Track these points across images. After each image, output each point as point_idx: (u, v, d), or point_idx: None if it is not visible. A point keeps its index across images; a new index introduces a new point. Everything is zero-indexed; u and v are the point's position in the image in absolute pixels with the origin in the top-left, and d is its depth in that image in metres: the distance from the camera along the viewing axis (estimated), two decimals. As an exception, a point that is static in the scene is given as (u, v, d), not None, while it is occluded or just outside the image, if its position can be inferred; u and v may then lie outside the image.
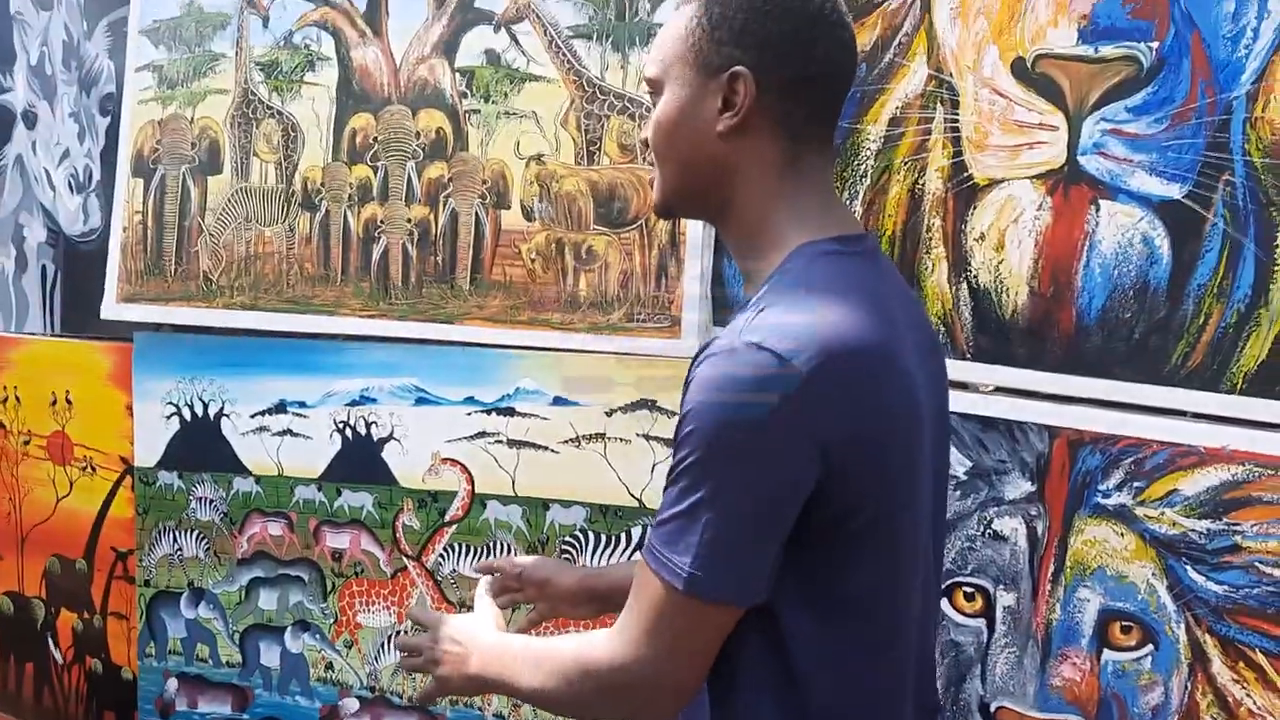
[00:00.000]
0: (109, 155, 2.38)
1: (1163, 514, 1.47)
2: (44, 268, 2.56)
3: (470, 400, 1.98)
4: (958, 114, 1.56)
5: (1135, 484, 1.49)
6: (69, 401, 2.52)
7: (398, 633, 2.10)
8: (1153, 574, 1.49)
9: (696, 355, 1.00)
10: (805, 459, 0.94)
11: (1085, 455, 1.52)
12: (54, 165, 2.50)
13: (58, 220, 2.51)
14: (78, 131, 2.45)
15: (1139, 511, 1.49)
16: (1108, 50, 1.45)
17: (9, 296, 2.64)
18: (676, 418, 1.00)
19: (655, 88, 1.10)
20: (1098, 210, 1.47)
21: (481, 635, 1.21)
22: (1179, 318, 1.44)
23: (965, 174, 1.56)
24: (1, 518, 2.70)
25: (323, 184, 2.09)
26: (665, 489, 0.99)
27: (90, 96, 2.42)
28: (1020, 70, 1.51)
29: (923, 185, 1.59)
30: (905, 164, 1.60)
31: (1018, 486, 1.57)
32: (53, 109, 2.49)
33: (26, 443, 2.62)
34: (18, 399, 2.62)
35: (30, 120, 2.53)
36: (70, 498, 2.55)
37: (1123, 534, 1.50)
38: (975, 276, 1.56)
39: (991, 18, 1.52)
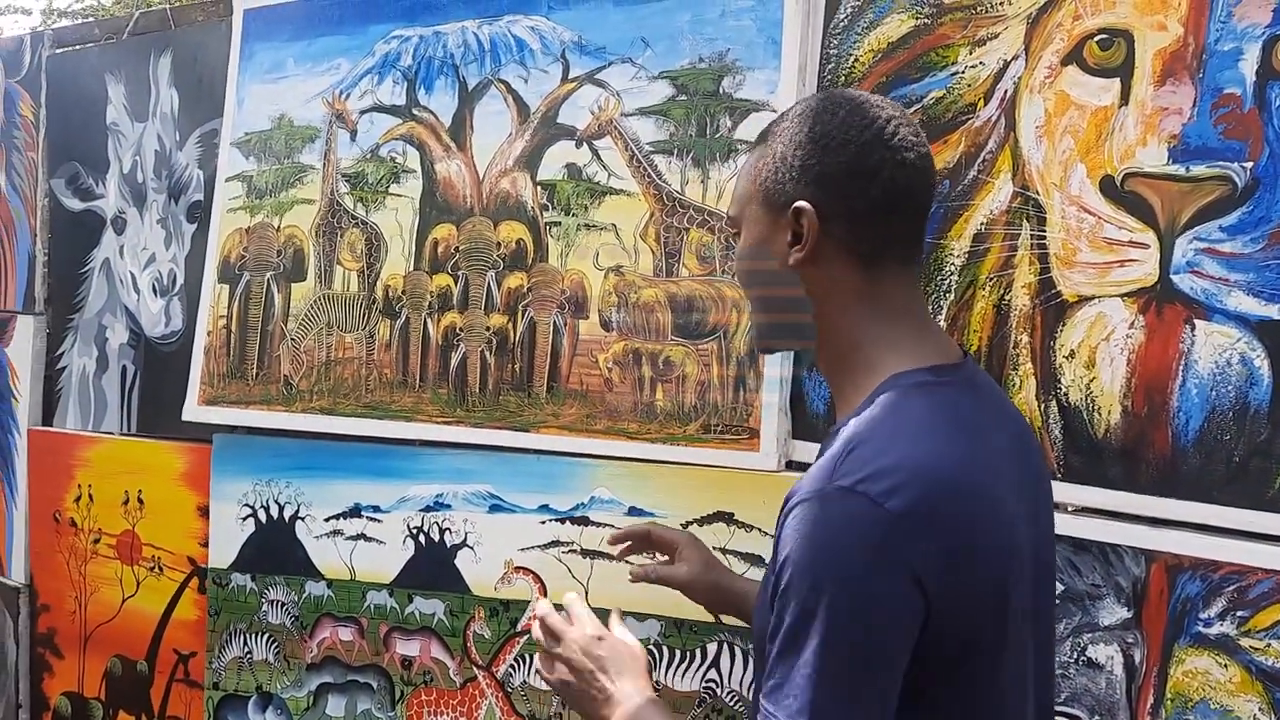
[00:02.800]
0: (193, 261, 2.45)
1: (1269, 645, 1.41)
2: (124, 368, 2.62)
3: (544, 508, 1.97)
4: (1044, 231, 1.55)
5: (1239, 613, 1.43)
6: (140, 501, 2.55)
7: (465, 745, 2.06)
8: (1259, 709, 1.42)
9: (786, 501, 1.00)
10: (909, 600, 0.93)
11: (1185, 581, 1.47)
12: (140, 269, 2.57)
13: (140, 322, 2.57)
14: (164, 237, 2.52)
15: (1244, 642, 1.43)
16: (1200, 170, 1.44)
17: (89, 396, 2.69)
18: (770, 558, 1.01)
19: (735, 226, 1.17)
20: (1193, 329, 1.45)
21: (630, 691, 1.19)
22: (1282, 441, 1.40)
23: (1053, 290, 1.55)
24: (66, 616, 2.72)
25: (404, 292, 2.12)
26: (769, 645, 0.98)
27: (178, 204, 2.50)
28: (1109, 188, 1.50)
29: (1009, 301, 1.58)
30: (990, 280, 1.59)
31: (1113, 612, 1.52)
32: (141, 215, 2.57)
33: (96, 541, 2.65)
34: (90, 497, 2.66)
35: (119, 226, 2.62)
36: (136, 598, 2.56)
37: (1226, 665, 1.44)
38: (1065, 394, 1.54)
39: (1078, 136, 1.53)
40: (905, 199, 1.08)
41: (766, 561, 1.14)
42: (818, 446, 1.73)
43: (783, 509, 1.00)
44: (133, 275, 2.59)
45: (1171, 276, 1.46)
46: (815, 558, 0.94)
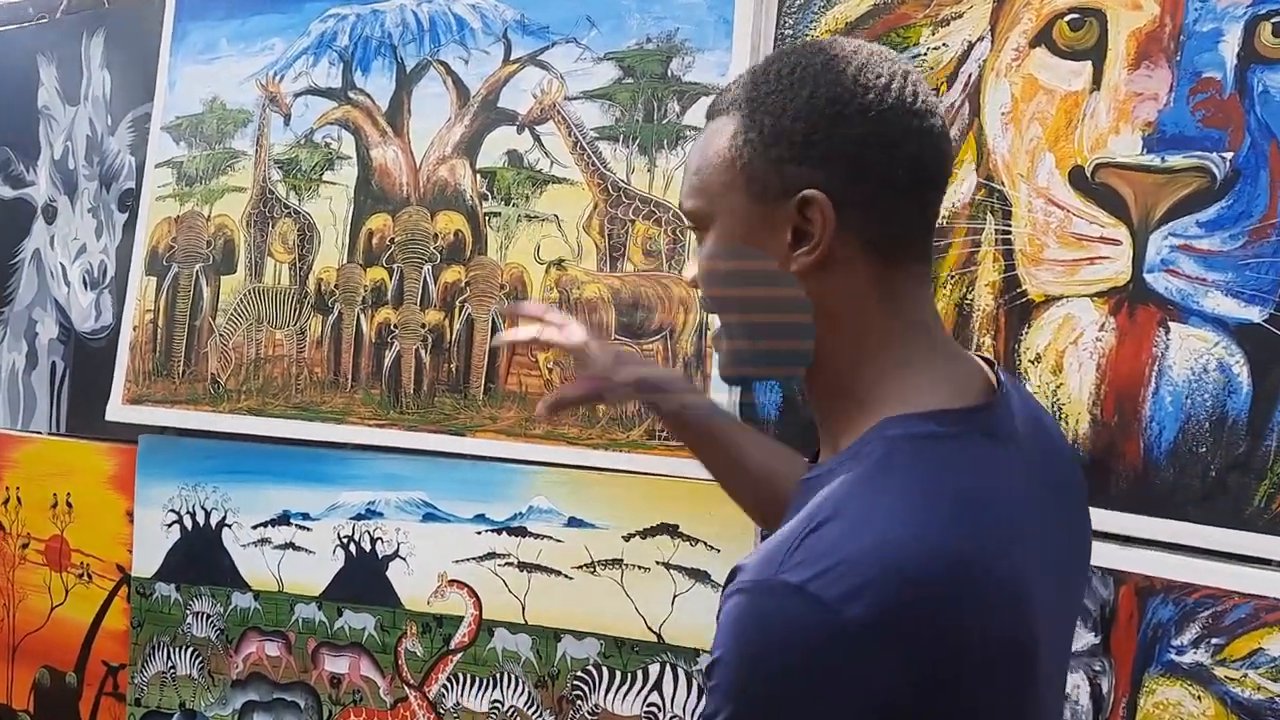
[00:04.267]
0: (124, 252, 2.32)
1: (1245, 676, 1.30)
2: (53, 364, 2.49)
3: (480, 518, 1.85)
4: (1010, 225, 1.44)
5: (1214, 640, 1.32)
6: (69, 505, 2.42)
7: (395, 769, 1.94)
8: (1236, 744, 1.31)
9: (730, 575, 0.78)
10: None
11: (1156, 605, 1.36)
12: (70, 260, 2.44)
13: (70, 316, 2.44)
14: (95, 227, 2.39)
15: (1218, 672, 1.32)
16: (1176, 160, 1.33)
17: (18, 393, 2.56)
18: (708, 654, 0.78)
19: (698, 222, 0.88)
20: (1167, 333, 1.34)
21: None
22: (1262, 454, 1.29)
23: (1018, 289, 1.43)
24: (-6, 624, 2.59)
25: (337, 286, 2.00)
26: None
27: (110, 192, 2.37)
28: (1079, 180, 1.39)
29: (971, 301, 1.47)
30: (952, 277, 1.48)
31: (1079, 637, 1.40)
32: (73, 204, 2.44)
33: (25, 546, 2.51)
34: (19, 500, 2.53)
35: (50, 215, 2.49)
36: (65, 606, 2.43)
37: (1200, 697, 1.33)
38: (1030, 402, 1.42)
39: (1046, 124, 1.41)
40: (930, 179, 0.84)
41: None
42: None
43: (725, 584, 0.78)
44: (63, 267, 2.46)
45: (1145, 275, 1.35)
46: (747, 671, 0.73)
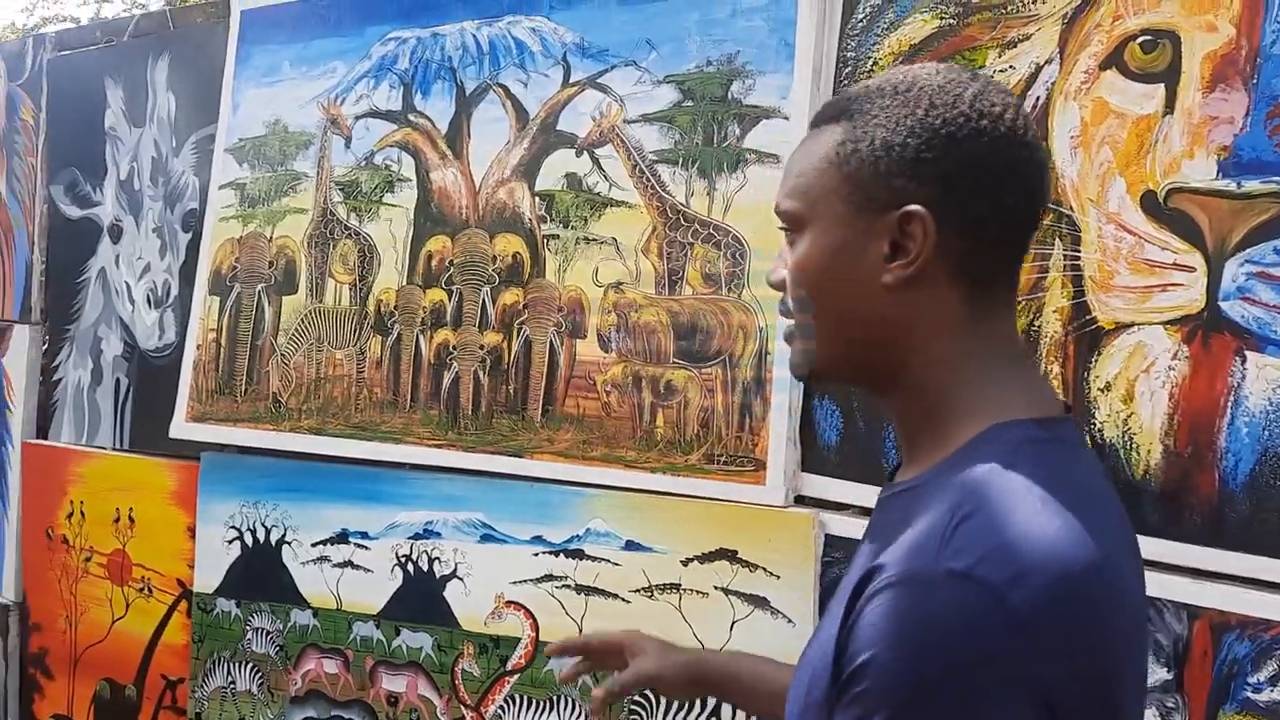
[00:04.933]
0: (188, 271, 2.36)
1: (1327, 715, 1.26)
2: (118, 381, 2.53)
3: (538, 540, 1.85)
4: (1079, 250, 1.41)
5: (1293, 678, 1.28)
6: (131, 519, 2.46)
7: (451, 790, 1.94)
8: (1316, 786, 1.27)
9: (866, 577, 0.77)
10: (1030, 716, 0.72)
11: (1231, 641, 1.32)
12: (135, 279, 2.48)
13: (134, 334, 2.49)
14: (159, 246, 2.44)
15: (1298, 711, 1.28)
16: (1253, 185, 1.30)
17: (83, 409, 2.61)
18: (834, 653, 0.77)
19: (794, 224, 0.89)
20: (1243, 362, 1.30)
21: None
22: (1343, 488, 1.25)
23: (1088, 316, 1.41)
24: (57, 636, 2.63)
25: (396, 307, 2.02)
26: None
27: (174, 212, 2.41)
28: (1151, 205, 1.36)
29: (1039, 327, 1.44)
30: (1019, 303, 1.45)
31: (1152, 673, 1.37)
32: (138, 223, 2.49)
33: (88, 559, 2.56)
34: (83, 514, 2.58)
35: (116, 234, 2.53)
36: (125, 620, 2.47)
37: (1279, 736, 1.29)
38: (1100, 431, 1.39)
39: (1118, 148, 1.39)
40: (1031, 210, 0.86)
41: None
42: (827, 480, 1.62)
43: (858, 588, 0.78)
44: (128, 285, 2.50)
45: (1220, 303, 1.32)
46: (916, 663, 0.72)
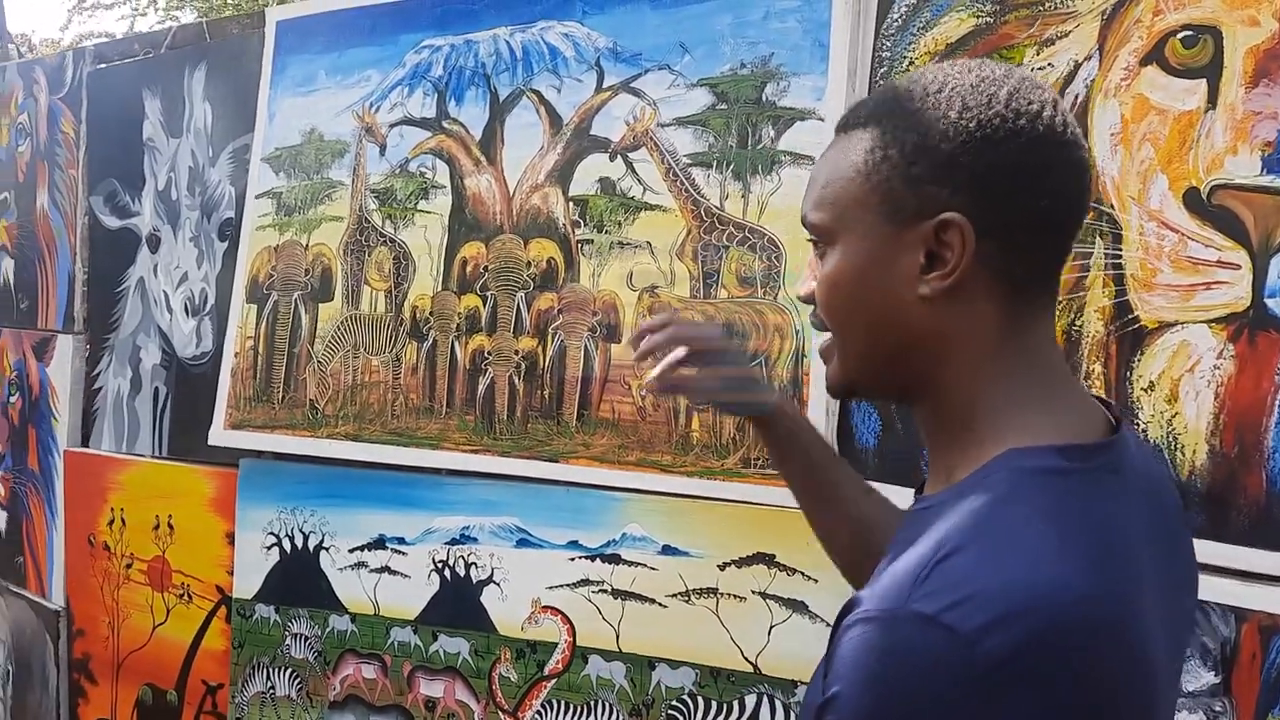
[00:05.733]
0: (224, 280, 2.38)
1: (1382, 720, 1.24)
2: (156, 390, 2.55)
3: (574, 544, 1.85)
4: (1120, 249, 1.40)
5: (1346, 683, 1.26)
6: (170, 526, 2.48)
7: (489, 795, 1.94)
8: (1371, 793, 1.24)
9: (846, 607, 0.76)
10: None
11: (1281, 645, 1.30)
12: (173, 288, 2.51)
13: (172, 343, 2.51)
14: (197, 255, 2.46)
15: (1351, 716, 1.25)
16: (1299, 181, 1.28)
17: (123, 417, 2.64)
18: (820, 671, 0.76)
19: (823, 236, 0.85)
20: (1291, 360, 1.28)
21: None
22: (1396, 488, 1.23)
23: (1130, 315, 1.39)
24: (100, 641, 2.66)
25: (431, 313, 2.02)
26: None
27: (210, 221, 2.44)
28: (1194, 202, 1.34)
29: (1080, 327, 1.42)
30: (1060, 303, 1.44)
31: (1198, 677, 1.35)
32: (175, 233, 2.51)
33: (129, 566, 2.58)
34: (123, 521, 2.60)
35: (154, 244, 2.56)
36: (166, 625, 2.49)
37: (1331, 742, 1.27)
38: (1143, 431, 1.37)
39: (1159, 144, 1.37)
40: (1073, 212, 0.82)
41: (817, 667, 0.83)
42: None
43: (842, 615, 0.76)
44: (166, 294, 2.53)
45: (1266, 300, 1.30)
46: (875, 705, 0.70)
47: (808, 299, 0.89)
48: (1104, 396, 0.91)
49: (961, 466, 0.81)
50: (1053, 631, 0.69)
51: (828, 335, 0.89)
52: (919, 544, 0.75)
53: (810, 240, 0.88)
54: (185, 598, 2.45)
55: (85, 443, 2.74)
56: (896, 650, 0.70)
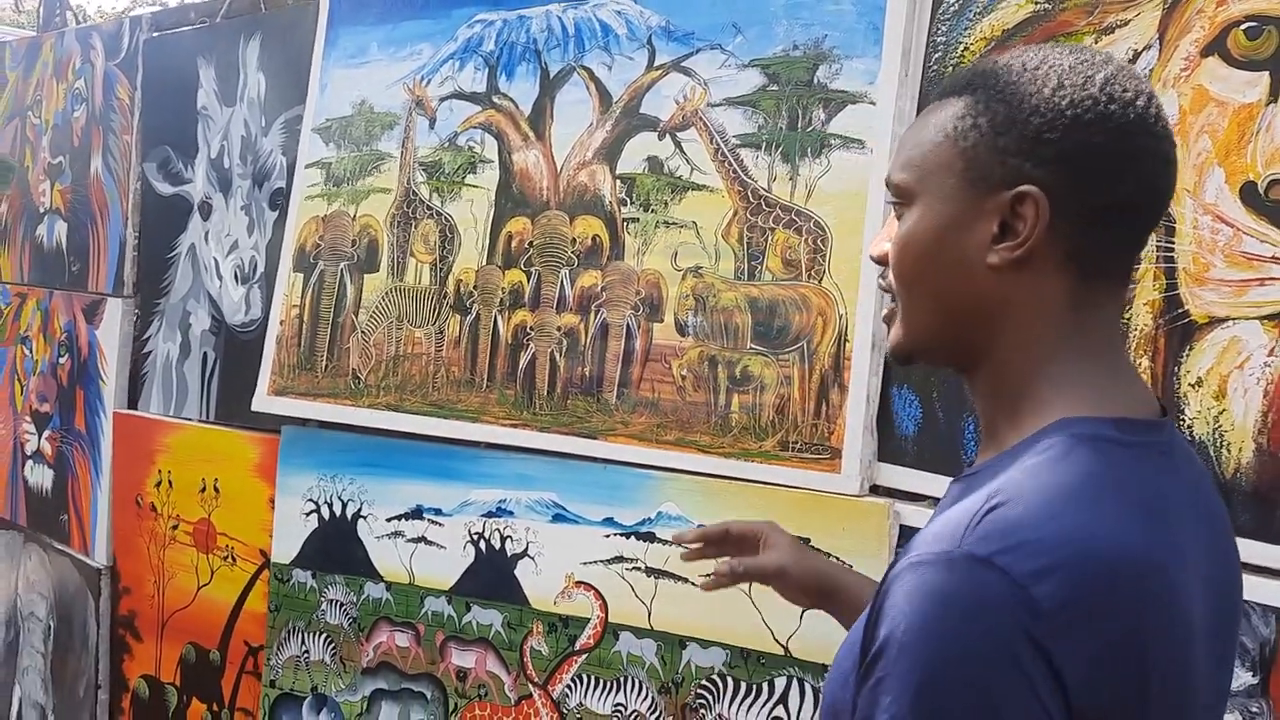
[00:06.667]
0: (274, 248, 2.41)
1: None
2: (205, 355, 2.59)
3: (609, 521, 1.86)
4: (1173, 242, 1.37)
5: (1388, 689, 1.24)
6: (216, 489, 2.52)
7: (518, 766, 1.96)
8: None
9: (896, 559, 0.78)
10: (1045, 708, 0.71)
11: (1323, 648, 1.28)
12: (223, 256, 2.54)
13: (221, 309, 2.55)
14: (247, 224, 2.49)
15: (1392, 723, 1.24)
16: (1361, 177, 1.25)
17: (171, 381, 2.68)
18: (864, 624, 0.77)
19: (904, 197, 0.87)
20: (1344, 360, 1.26)
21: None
22: None
23: (1180, 310, 1.37)
24: (146, 599, 2.71)
25: (475, 287, 2.04)
26: None
27: (261, 190, 2.47)
28: (1251, 196, 1.32)
29: (1129, 320, 1.40)
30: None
31: (1236, 677, 1.33)
32: (226, 201, 2.54)
33: (175, 527, 2.63)
34: (170, 483, 2.65)
35: (206, 211, 2.60)
36: (210, 586, 2.54)
37: (1371, 748, 1.25)
38: (1190, 427, 1.36)
39: (1217, 137, 1.34)
40: (1154, 203, 0.83)
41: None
42: (903, 470, 1.60)
43: (890, 568, 0.78)
44: (216, 261, 2.56)
45: (1321, 299, 1.27)
46: (929, 645, 0.72)
47: (880, 259, 0.91)
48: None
49: (1014, 434, 0.83)
50: (1103, 580, 0.72)
51: (891, 300, 0.91)
52: (969, 498, 0.77)
53: (891, 202, 0.90)
54: (229, 560, 2.49)
55: (132, 405, 2.79)
56: (951, 590, 0.72)
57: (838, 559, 1.63)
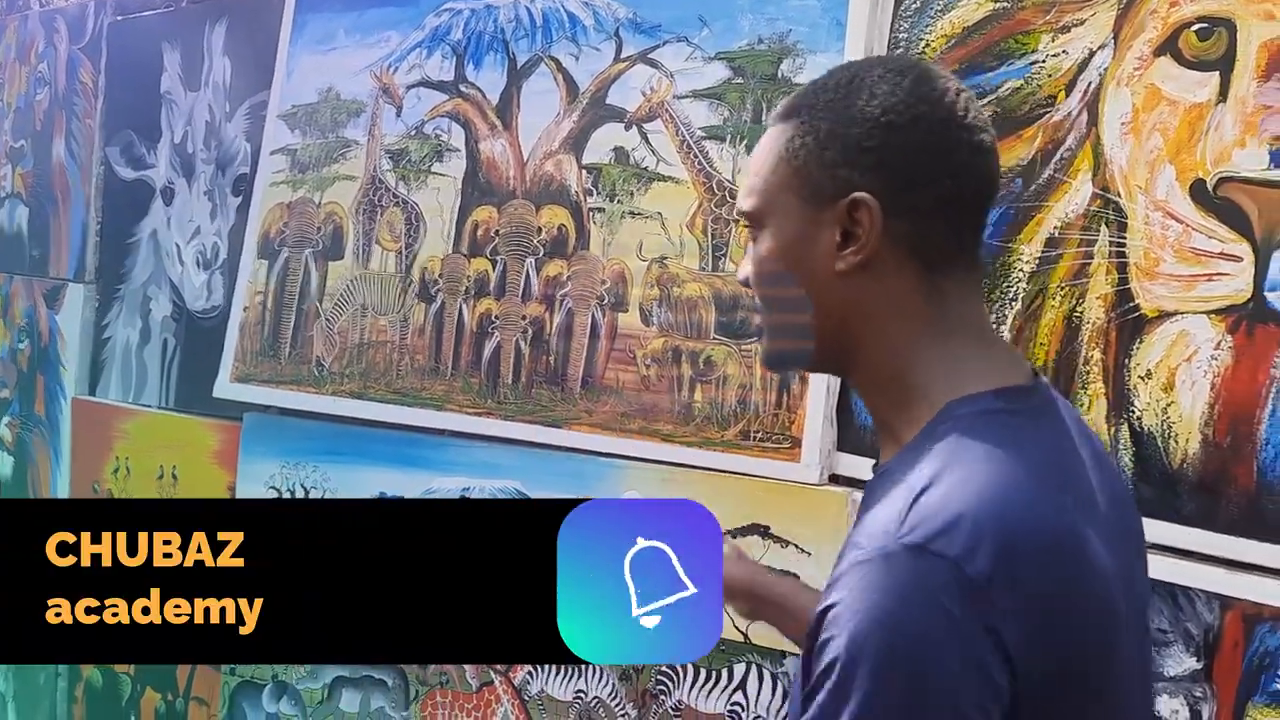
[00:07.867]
0: (236, 234, 2.40)
1: (1358, 711, 1.26)
2: (165, 341, 2.58)
3: (573, 509, 1.87)
4: (1124, 237, 1.41)
5: (1325, 673, 1.28)
6: (174, 477, 2.50)
7: (478, 752, 1.97)
8: (1343, 782, 1.27)
9: (843, 553, 0.81)
10: (995, 683, 0.74)
11: (1263, 634, 1.32)
12: (185, 241, 2.53)
13: (183, 295, 2.53)
14: (210, 209, 2.48)
15: (1329, 705, 1.28)
16: (1305, 176, 1.29)
17: (131, 367, 2.66)
18: (808, 635, 0.80)
19: (754, 221, 0.93)
20: (1288, 354, 1.30)
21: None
22: (1384, 483, 1.24)
23: (1131, 303, 1.40)
24: (102, 588, 2.69)
25: (441, 275, 2.04)
26: None
27: (225, 176, 2.45)
28: (1200, 193, 1.35)
29: (1081, 313, 1.44)
30: (1062, 289, 1.45)
31: (1180, 662, 1.37)
32: (189, 186, 2.53)
33: (132, 514, 2.61)
34: (128, 470, 2.63)
35: (168, 197, 2.58)
36: (168, 574, 2.52)
37: (1308, 730, 1.29)
38: (1139, 418, 1.39)
39: (1168, 135, 1.38)
40: (978, 190, 0.90)
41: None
42: (862, 460, 1.62)
43: (837, 563, 0.81)
44: (178, 247, 2.55)
45: (1266, 294, 1.31)
46: (882, 639, 0.74)
47: (745, 282, 0.97)
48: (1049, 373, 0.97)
49: (908, 427, 0.88)
50: (1023, 545, 0.77)
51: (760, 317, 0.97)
52: (890, 496, 0.81)
53: (745, 227, 0.96)
54: (186, 548, 2.47)
55: (93, 391, 2.77)
56: (895, 582, 0.76)
57: (797, 547, 1.65)
